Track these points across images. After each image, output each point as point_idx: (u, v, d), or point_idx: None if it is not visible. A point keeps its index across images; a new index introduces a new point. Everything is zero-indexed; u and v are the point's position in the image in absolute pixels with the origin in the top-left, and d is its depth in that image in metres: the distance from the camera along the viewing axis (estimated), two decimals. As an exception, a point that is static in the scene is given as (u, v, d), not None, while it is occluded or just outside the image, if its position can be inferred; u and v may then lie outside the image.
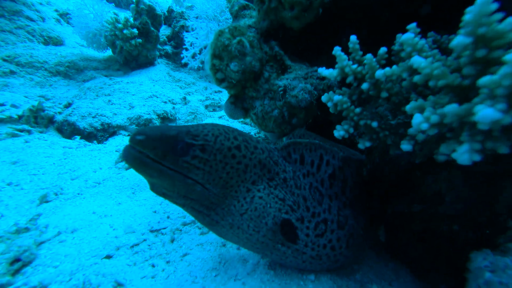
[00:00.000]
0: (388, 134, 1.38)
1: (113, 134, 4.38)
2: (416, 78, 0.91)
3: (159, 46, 6.62)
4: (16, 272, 1.54)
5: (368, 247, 2.19)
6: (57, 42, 6.17)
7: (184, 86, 6.50)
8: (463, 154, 0.76)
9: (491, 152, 0.78)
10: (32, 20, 6.02)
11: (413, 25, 1.02)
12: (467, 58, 0.72)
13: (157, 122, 4.86)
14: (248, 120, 4.88)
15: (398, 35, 1.30)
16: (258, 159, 1.36)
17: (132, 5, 5.65)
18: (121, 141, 3.97)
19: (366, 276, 1.81)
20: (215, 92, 6.66)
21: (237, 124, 4.84)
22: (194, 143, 1.18)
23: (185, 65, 6.92)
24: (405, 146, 1.25)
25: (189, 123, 4.91)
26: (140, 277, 1.48)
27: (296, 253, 1.49)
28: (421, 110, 0.93)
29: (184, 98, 5.67)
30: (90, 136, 4.19)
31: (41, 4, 7.25)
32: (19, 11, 5.73)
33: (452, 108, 0.74)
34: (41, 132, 3.83)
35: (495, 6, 0.67)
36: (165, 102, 5.34)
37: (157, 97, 5.36)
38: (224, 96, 6.31)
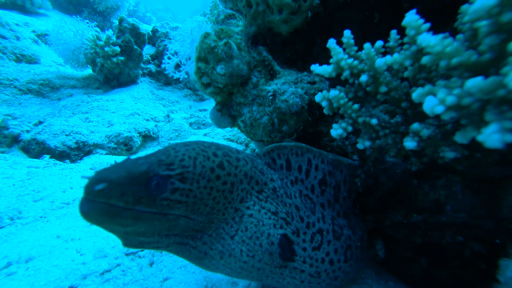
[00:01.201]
0: (388, 133, 1.29)
1: (89, 153, 4.05)
2: (425, 60, 0.83)
3: (142, 65, 6.52)
4: None
5: (366, 263, 2.04)
6: (31, 60, 5.90)
7: (167, 104, 6.34)
8: (493, 134, 0.66)
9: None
10: (4, 38, 5.77)
11: (412, 11, 0.97)
12: (489, 27, 0.65)
13: (138, 140, 4.60)
14: (233, 137, 4.75)
15: (393, 31, 1.27)
16: (243, 172, 1.19)
17: (115, 24, 5.59)
18: (98, 159, 3.67)
19: (367, 296, 1.65)
20: (200, 110, 6.55)
21: (223, 142, 4.68)
22: (171, 173, 0.97)
23: (169, 82, 6.83)
24: (409, 143, 1.16)
25: (172, 141, 4.68)
26: (110, 311, 1.21)
27: (294, 272, 1.32)
28: (432, 95, 0.85)
29: (168, 116, 5.49)
30: (62, 155, 3.84)
31: (17, 24, 7.03)
32: (-10, 28, 5.47)
33: (476, 82, 0.66)
34: (2, 153, 3.45)
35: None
36: (147, 120, 5.13)
37: (139, 115, 5.14)
38: (209, 114, 6.19)
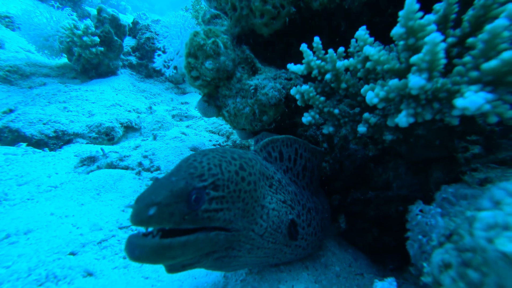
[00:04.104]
0: (347, 121, 1.61)
1: (68, 142, 4.03)
2: (368, 64, 1.14)
3: (122, 57, 6.44)
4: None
5: (331, 236, 2.38)
6: (-5, 44, 5.59)
7: (149, 96, 6.34)
8: (402, 118, 0.98)
9: (422, 119, 1.02)
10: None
11: (363, 27, 1.28)
12: (402, 46, 0.96)
13: (120, 131, 4.63)
14: (215, 129, 4.94)
15: (353, 40, 1.58)
16: (258, 170, 1.26)
17: (94, 13, 5.49)
18: (80, 147, 3.68)
19: (329, 260, 1.97)
20: (182, 103, 6.63)
21: (205, 133, 4.86)
22: (205, 184, 1.00)
23: (150, 75, 6.81)
24: (361, 128, 1.48)
25: (155, 132, 4.77)
26: (111, 267, 1.40)
27: (295, 249, 1.51)
28: (371, 90, 1.16)
29: (150, 108, 5.53)
30: (40, 143, 3.79)
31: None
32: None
33: (394, 82, 0.97)
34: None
35: (417, 6, 0.93)
36: (129, 111, 5.15)
37: (121, 106, 5.14)
38: (191, 107, 6.31)
